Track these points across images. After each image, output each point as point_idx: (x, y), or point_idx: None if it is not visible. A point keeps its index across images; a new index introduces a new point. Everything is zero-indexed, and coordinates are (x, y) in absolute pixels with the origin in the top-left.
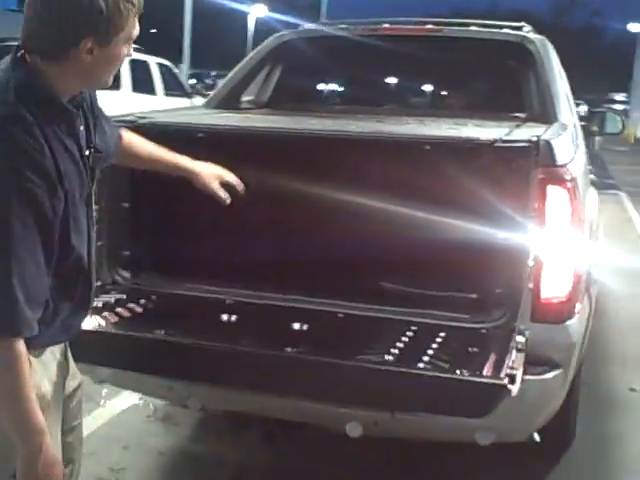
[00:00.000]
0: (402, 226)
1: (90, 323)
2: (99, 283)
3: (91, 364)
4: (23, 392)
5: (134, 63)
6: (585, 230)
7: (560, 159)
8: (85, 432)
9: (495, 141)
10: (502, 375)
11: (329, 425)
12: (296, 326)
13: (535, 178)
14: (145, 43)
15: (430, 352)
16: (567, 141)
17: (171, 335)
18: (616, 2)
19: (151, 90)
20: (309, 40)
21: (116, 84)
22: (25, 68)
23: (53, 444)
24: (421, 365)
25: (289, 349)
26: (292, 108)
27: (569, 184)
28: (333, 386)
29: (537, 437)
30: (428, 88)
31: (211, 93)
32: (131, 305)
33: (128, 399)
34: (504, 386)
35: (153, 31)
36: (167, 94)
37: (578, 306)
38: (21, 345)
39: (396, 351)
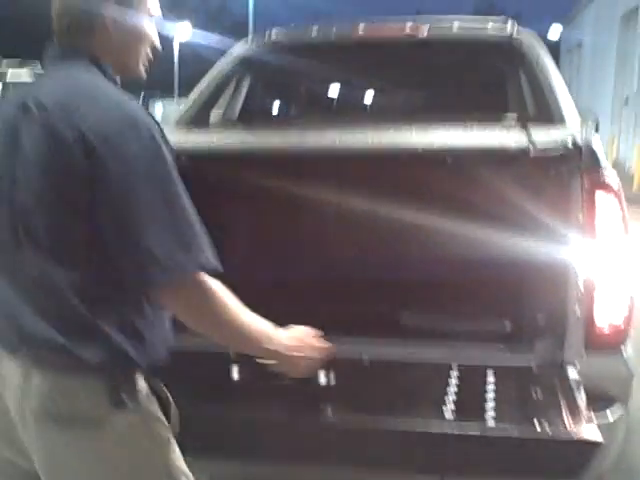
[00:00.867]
0: (423, 248)
1: None
2: None
3: None
4: (235, 312)
5: None
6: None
7: (604, 163)
8: None
9: (531, 148)
10: (593, 427)
11: None
12: (322, 380)
13: (579, 185)
14: None
15: (491, 405)
16: (600, 144)
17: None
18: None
19: None
20: (279, 47)
21: None
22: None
23: None
24: (493, 424)
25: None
26: (266, 123)
27: (618, 190)
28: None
29: None
30: (417, 93)
31: (181, 109)
32: None
33: None
34: (599, 443)
35: None
36: None
37: (631, 332)
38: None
39: (451, 406)
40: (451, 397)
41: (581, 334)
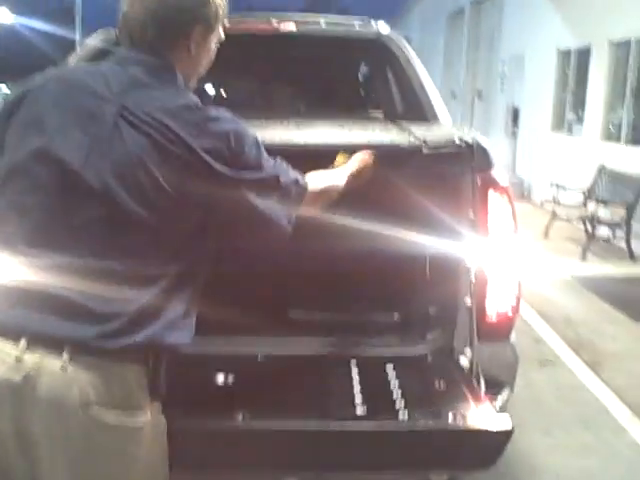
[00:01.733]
0: (318, 242)
1: None
2: None
3: None
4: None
5: None
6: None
7: (494, 162)
8: None
9: (424, 145)
10: (503, 416)
11: None
12: (221, 380)
13: (471, 183)
14: None
15: (398, 393)
16: (488, 142)
17: None
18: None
19: None
20: None
21: None
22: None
23: None
24: (405, 417)
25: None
26: None
27: (508, 188)
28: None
29: None
30: (285, 89)
31: None
32: None
33: None
34: (511, 431)
35: None
36: None
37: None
38: None
39: (360, 401)
40: (355, 391)
41: (472, 324)
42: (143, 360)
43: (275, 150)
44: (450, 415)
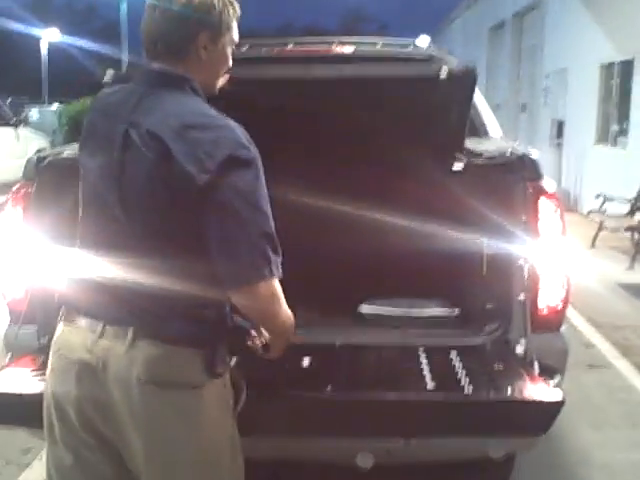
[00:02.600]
0: (393, 245)
1: None
2: None
3: None
4: (283, 308)
5: None
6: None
7: (543, 172)
8: None
9: (480, 155)
10: (554, 387)
11: None
12: (306, 361)
13: (523, 192)
14: None
15: (462, 374)
16: (537, 154)
17: None
18: (402, 16)
19: None
20: None
21: None
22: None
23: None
24: (469, 391)
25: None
26: None
27: (556, 196)
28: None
29: None
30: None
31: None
32: None
33: None
34: (563, 402)
35: None
36: None
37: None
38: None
39: (429, 378)
40: (425, 372)
41: (527, 317)
42: (200, 345)
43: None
44: (509, 389)
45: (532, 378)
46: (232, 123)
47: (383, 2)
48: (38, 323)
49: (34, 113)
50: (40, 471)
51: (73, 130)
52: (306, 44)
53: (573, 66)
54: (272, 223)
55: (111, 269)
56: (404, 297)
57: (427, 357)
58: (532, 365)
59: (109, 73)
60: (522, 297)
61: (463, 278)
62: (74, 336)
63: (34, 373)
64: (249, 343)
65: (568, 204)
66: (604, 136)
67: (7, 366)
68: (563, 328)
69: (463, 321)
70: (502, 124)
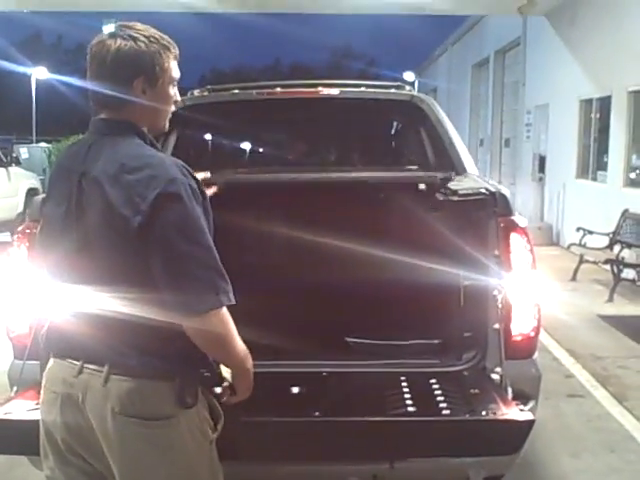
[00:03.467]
0: (375, 283)
1: None
2: None
3: None
4: (235, 338)
5: None
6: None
7: (514, 208)
8: None
9: (455, 192)
10: (527, 411)
11: None
12: (295, 390)
13: (496, 227)
14: None
15: (441, 398)
16: (508, 191)
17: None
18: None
19: None
20: (201, 106)
21: None
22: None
23: None
24: (448, 412)
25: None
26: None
27: (527, 230)
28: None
29: None
30: (331, 146)
31: None
32: None
33: None
34: (533, 421)
35: None
36: None
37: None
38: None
39: (410, 402)
40: (406, 397)
41: (501, 345)
42: (165, 377)
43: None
44: (483, 410)
45: (506, 402)
46: (167, 160)
47: (370, 39)
48: (40, 358)
49: (24, 152)
50: None
51: None
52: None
53: (554, 101)
54: (213, 252)
55: (84, 307)
56: (387, 327)
57: (408, 384)
58: (506, 390)
59: None
60: (497, 326)
61: (442, 309)
62: (58, 371)
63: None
64: (216, 390)
65: (550, 237)
66: (584, 170)
67: (14, 398)
68: (535, 355)
69: (442, 349)
70: (485, 159)
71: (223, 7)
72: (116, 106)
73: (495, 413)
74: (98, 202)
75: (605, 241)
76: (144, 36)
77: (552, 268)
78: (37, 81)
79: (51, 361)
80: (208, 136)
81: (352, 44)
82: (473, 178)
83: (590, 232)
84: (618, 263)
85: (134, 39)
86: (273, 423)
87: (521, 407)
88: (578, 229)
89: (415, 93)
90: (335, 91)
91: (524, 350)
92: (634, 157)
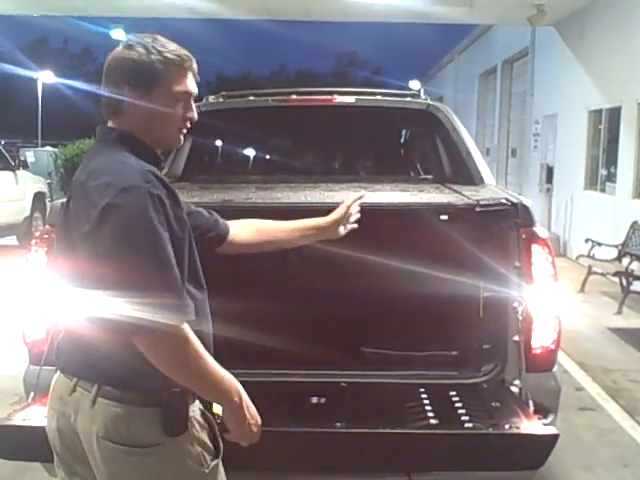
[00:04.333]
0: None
1: None
2: None
3: None
4: (205, 364)
5: None
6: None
7: (536, 219)
8: None
9: (477, 204)
10: (550, 425)
11: None
12: (313, 400)
13: (517, 238)
14: None
15: (463, 411)
16: (530, 202)
17: None
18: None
19: None
20: (216, 112)
21: None
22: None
23: None
24: (470, 425)
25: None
26: (212, 180)
27: (548, 242)
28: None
29: None
30: (345, 155)
31: None
32: None
33: None
34: (557, 435)
35: None
36: None
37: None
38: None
39: (432, 414)
40: (426, 409)
41: (521, 359)
42: (153, 404)
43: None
44: (506, 424)
45: (527, 415)
46: (134, 168)
47: (376, 47)
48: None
49: (30, 156)
50: None
51: (69, 173)
52: None
53: (563, 112)
54: (166, 267)
55: (76, 318)
56: (406, 338)
57: (428, 395)
58: (527, 403)
59: None
60: (517, 338)
61: (461, 320)
62: (58, 387)
63: None
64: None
65: (557, 249)
66: (593, 182)
67: (31, 404)
68: (555, 368)
69: (461, 361)
70: (491, 169)
71: (231, 13)
72: (114, 115)
73: (518, 427)
74: (73, 209)
75: (614, 253)
76: (156, 48)
77: (560, 280)
78: (43, 85)
79: (56, 374)
80: (223, 142)
81: (358, 51)
82: (492, 188)
83: (599, 244)
84: (627, 275)
85: (146, 49)
86: (291, 433)
87: (543, 421)
88: (587, 240)
89: (431, 102)
90: (351, 99)
91: (544, 363)
92: None
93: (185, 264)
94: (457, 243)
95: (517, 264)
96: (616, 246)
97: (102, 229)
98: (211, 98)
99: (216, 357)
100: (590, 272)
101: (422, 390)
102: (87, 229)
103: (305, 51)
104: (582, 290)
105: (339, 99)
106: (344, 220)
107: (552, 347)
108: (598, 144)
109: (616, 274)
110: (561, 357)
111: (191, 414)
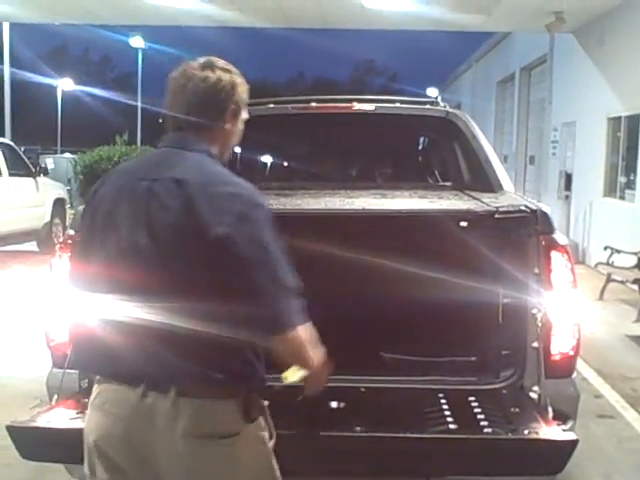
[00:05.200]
0: (415, 302)
1: None
2: None
3: None
4: (314, 346)
5: None
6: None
7: (555, 226)
8: None
9: (496, 211)
10: (568, 431)
11: None
12: (333, 405)
13: (536, 245)
14: None
15: (482, 416)
16: (549, 209)
17: None
18: (411, 68)
19: None
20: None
21: None
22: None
23: None
24: (490, 430)
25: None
26: None
27: (568, 249)
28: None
29: None
30: (364, 162)
31: None
32: None
33: None
34: (577, 441)
35: None
36: (11, 174)
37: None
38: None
39: (451, 419)
40: (446, 414)
41: (540, 365)
42: (235, 395)
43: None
44: (526, 429)
45: (547, 421)
46: (246, 183)
47: (393, 54)
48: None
49: (49, 162)
50: None
51: (89, 179)
52: None
53: (581, 119)
54: (291, 272)
55: (142, 321)
56: (425, 344)
57: (447, 401)
58: (546, 409)
59: None
60: (536, 344)
61: (481, 326)
62: (117, 393)
63: (80, 413)
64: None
65: (576, 256)
66: (612, 189)
67: (55, 407)
68: (574, 375)
69: (480, 367)
70: (510, 176)
71: (248, 21)
72: (201, 128)
73: (538, 433)
74: (176, 206)
75: (633, 260)
76: (233, 72)
77: (579, 287)
78: (63, 92)
79: (103, 382)
80: (242, 149)
81: (375, 59)
82: (511, 195)
83: (618, 251)
84: None
85: (229, 72)
86: (310, 437)
87: (562, 427)
88: (606, 248)
89: (450, 109)
90: (370, 106)
91: (563, 369)
92: None
93: None
94: (476, 250)
95: (536, 271)
96: (635, 253)
97: (246, 233)
98: None
99: None
100: (609, 280)
101: (441, 395)
102: (222, 231)
103: (322, 58)
104: (601, 298)
105: (358, 106)
106: None
107: (571, 353)
108: (617, 151)
109: (635, 281)
110: (580, 365)
111: (259, 403)
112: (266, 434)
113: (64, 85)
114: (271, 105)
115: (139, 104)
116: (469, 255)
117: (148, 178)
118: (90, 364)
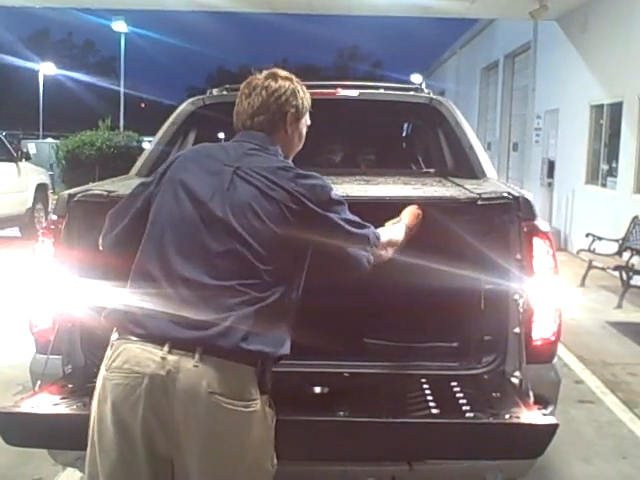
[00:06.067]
0: (398, 287)
1: None
2: None
3: None
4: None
5: None
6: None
7: (537, 212)
8: None
9: (479, 198)
10: (549, 415)
11: None
12: (316, 390)
13: (518, 231)
14: None
15: (464, 401)
16: (531, 195)
17: None
18: (395, 55)
19: None
20: (220, 105)
21: None
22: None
23: None
24: (471, 414)
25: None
26: None
27: (549, 235)
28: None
29: None
30: (348, 149)
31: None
32: None
33: None
34: (557, 425)
35: None
36: None
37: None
38: None
39: (433, 404)
40: (428, 399)
41: (521, 350)
42: (254, 363)
43: (353, 202)
44: (507, 414)
45: (527, 405)
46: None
47: (377, 40)
48: (62, 353)
49: (31, 147)
50: None
51: (71, 164)
52: None
53: (564, 106)
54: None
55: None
56: (407, 330)
57: (429, 386)
58: (527, 394)
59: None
60: (517, 330)
61: (462, 313)
62: (141, 352)
63: (64, 398)
64: None
65: (558, 243)
66: (594, 176)
67: (38, 392)
68: (555, 360)
69: (462, 353)
70: (493, 163)
71: (234, 6)
72: (267, 130)
73: (519, 417)
74: (260, 190)
75: (614, 247)
76: (294, 80)
77: (560, 274)
78: (44, 77)
79: (118, 343)
80: (227, 135)
81: (359, 45)
82: (494, 182)
83: (599, 238)
84: (628, 270)
85: (289, 80)
86: (294, 422)
87: (543, 411)
88: (587, 235)
89: (434, 96)
90: (354, 92)
91: (544, 355)
92: None
93: None
94: (459, 236)
95: (518, 257)
96: (616, 240)
97: (336, 211)
98: (215, 91)
99: None
100: (590, 266)
101: (423, 381)
102: (315, 211)
103: (306, 44)
104: (582, 284)
105: (342, 93)
106: None
107: (552, 339)
108: (599, 139)
109: (616, 268)
110: (561, 350)
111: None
112: (272, 411)
113: (46, 69)
114: None
115: (122, 89)
116: (452, 241)
117: (230, 166)
118: (120, 324)
